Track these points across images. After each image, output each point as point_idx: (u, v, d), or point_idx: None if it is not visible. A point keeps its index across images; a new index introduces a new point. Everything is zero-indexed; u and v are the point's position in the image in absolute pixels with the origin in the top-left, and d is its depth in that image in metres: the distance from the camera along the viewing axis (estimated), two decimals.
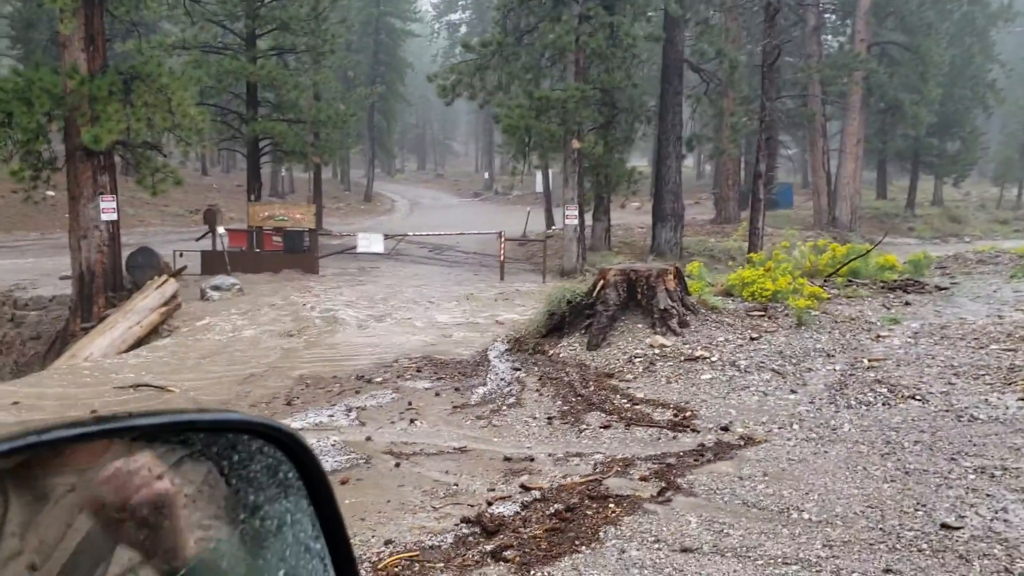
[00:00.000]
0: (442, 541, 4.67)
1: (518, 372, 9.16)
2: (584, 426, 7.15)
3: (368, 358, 10.68)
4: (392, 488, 5.60)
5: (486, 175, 64.01)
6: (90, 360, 11.35)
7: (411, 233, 23.39)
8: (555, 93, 19.05)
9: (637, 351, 8.94)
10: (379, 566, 4.33)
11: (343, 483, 5.67)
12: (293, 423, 7.59)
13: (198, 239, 20.19)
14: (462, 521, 4.94)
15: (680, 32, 24.02)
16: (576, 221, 20.64)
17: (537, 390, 8.33)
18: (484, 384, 8.85)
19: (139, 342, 12.07)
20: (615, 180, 22.44)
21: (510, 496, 5.38)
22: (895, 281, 12.39)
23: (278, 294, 15.73)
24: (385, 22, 47.62)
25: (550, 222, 31.49)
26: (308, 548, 0.98)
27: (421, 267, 22.93)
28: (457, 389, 8.73)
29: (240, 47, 23.16)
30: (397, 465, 6.07)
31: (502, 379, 8.94)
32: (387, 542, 4.64)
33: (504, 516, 4.99)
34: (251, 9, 22.28)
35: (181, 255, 18.95)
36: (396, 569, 4.30)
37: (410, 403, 8.13)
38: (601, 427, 7.10)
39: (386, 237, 20.47)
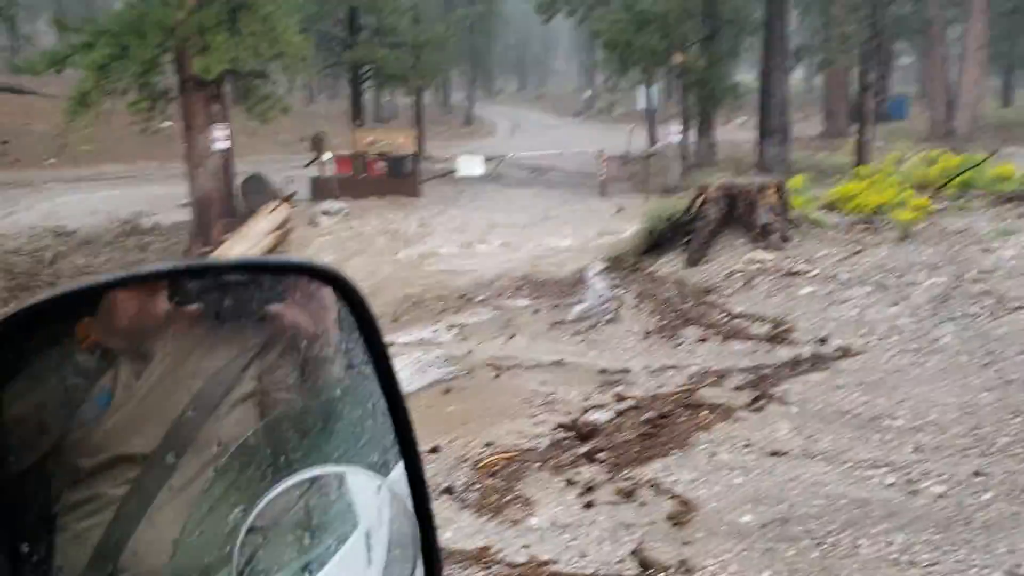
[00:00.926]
0: (538, 444, 4.93)
1: (616, 289, 9.27)
2: (681, 340, 7.26)
3: (470, 278, 10.97)
4: (492, 397, 5.88)
5: (587, 94, 63.02)
6: None
7: (510, 154, 23.43)
8: (656, 5, 18.59)
9: (736, 267, 8.92)
10: (480, 464, 4.62)
11: (446, 392, 6.00)
12: (399, 338, 7.97)
13: (306, 165, 20.80)
14: (558, 426, 5.19)
15: None
16: (679, 138, 20.33)
17: (635, 306, 8.45)
18: (582, 301, 9.01)
19: None
20: (720, 95, 21.88)
21: (604, 405, 5.59)
22: (1012, 192, 11.83)
23: (383, 217, 16.19)
24: None
25: (653, 140, 30.98)
26: (361, 372, 1.08)
27: (521, 189, 23.03)
28: (556, 306, 8.92)
29: None
30: (497, 376, 6.35)
31: (600, 296, 9.07)
32: (487, 444, 4.92)
33: (598, 422, 5.22)
34: None
35: (292, 181, 19.58)
36: (496, 468, 4.58)
37: (509, 320, 8.39)
38: (698, 340, 7.20)
39: (486, 160, 20.61)
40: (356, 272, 11.84)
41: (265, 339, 1.02)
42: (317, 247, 13.52)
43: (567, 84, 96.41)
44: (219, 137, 16.61)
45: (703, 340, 7.18)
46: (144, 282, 0.96)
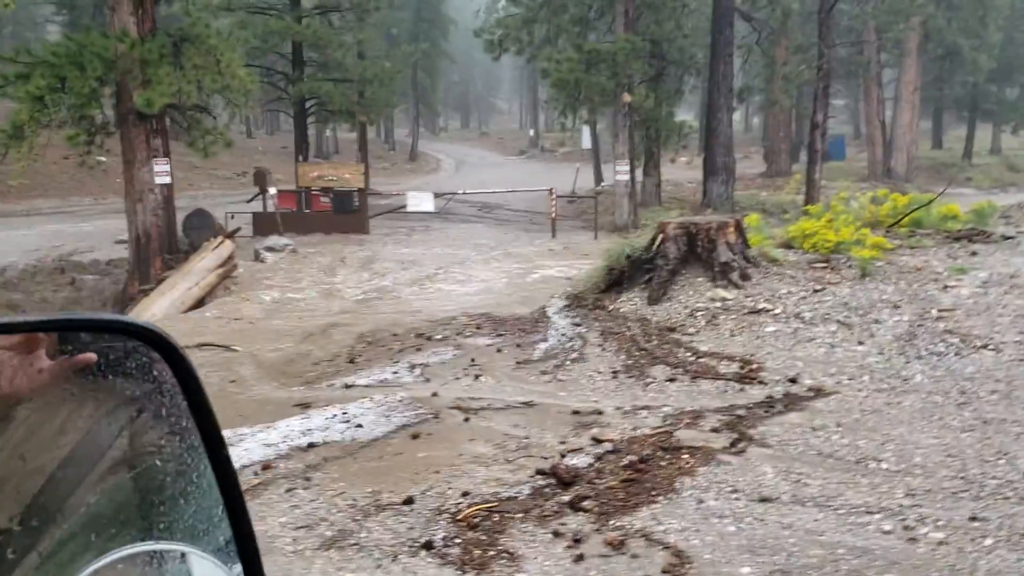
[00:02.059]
0: (519, 492, 4.70)
1: (579, 327, 9.12)
2: (650, 379, 7.13)
3: (426, 315, 10.74)
4: (463, 442, 5.64)
5: (531, 132, 63.58)
6: (151, 321, 11.58)
7: (461, 191, 23.35)
8: (605, 46, 18.77)
9: (699, 305, 8.85)
10: (458, 517, 4.37)
11: (415, 437, 5.73)
12: (358, 380, 7.68)
13: (249, 201, 20.40)
14: (537, 473, 4.96)
15: None
16: (627, 176, 20.45)
17: (600, 345, 8.31)
18: (545, 340, 8.84)
19: (198, 303, 12.28)
20: (665, 134, 22.15)
21: (582, 448, 5.39)
22: (959, 231, 12.07)
23: (330, 254, 15.87)
24: None
25: (599, 179, 31.24)
26: (180, 434, 1.03)
27: (471, 225, 22.95)
28: (519, 345, 8.73)
29: (284, 7, 23.14)
30: (466, 420, 6.10)
31: (563, 335, 8.92)
32: (464, 493, 4.68)
33: (578, 467, 5.01)
34: None
35: (232, 217, 19.16)
36: (476, 519, 4.34)
37: (473, 360, 8.16)
38: (667, 380, 7.07)
39: (436, 196, 20.46)
40: (304, 310, 11.52)
41: (129, 399, 1.00)
42: (260, 285, 13.13)
43: (510, 122, 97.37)
44: (160, 171, 16.16)
45: (672, 380, 7.05)
46: None
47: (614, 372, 7.41)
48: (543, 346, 8.59)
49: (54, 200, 27.52)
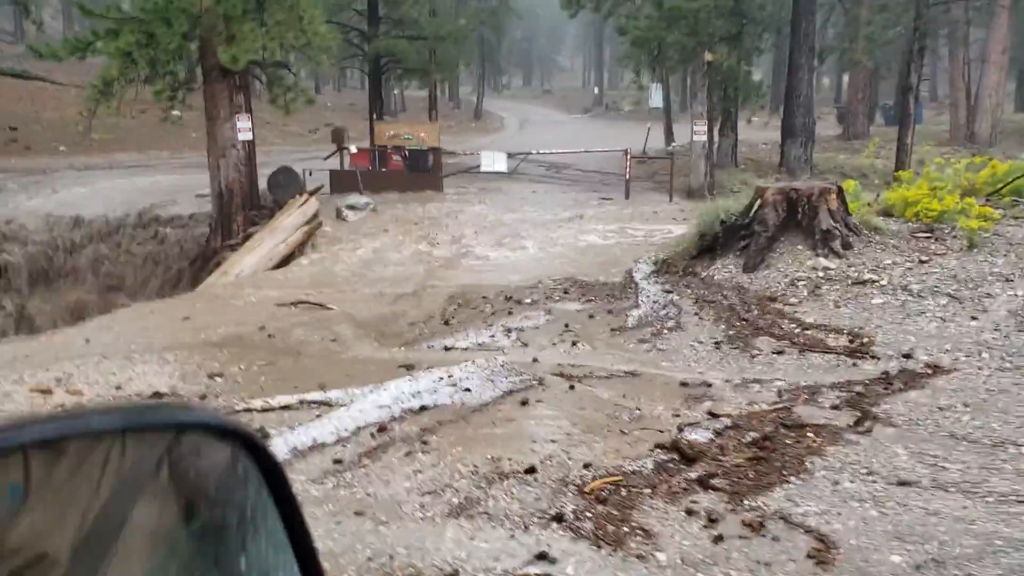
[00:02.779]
0: (642, 466, 4.62)
1: (670, 294, 8.98)
2: (756, 351, 6.97)
3: (510, 277, 10.67)
4: (573, 410, 5.57)
5: (595, 90, 62.71)
6: (240, 277, 11.73)
7: (535, 151, 23.09)
8: (685, 3, 18.25)
9: (799, 274, 8.62)
10: (585, 489, 4.31)
11: (523, 404, 5.67)
12: (456, 343, 7.66)
13: (326, 158, 20.45)
14: (656, 447, 4.88)
15: None
16: (705, 137, 19.99)
17: (696, 313, 8.16)
18: (637, 306, 8.72)
19: (285, 260, 12.39)
20: (744, 94, 21.57)
21: (698, 422, 5.29)
22: None
23: (409, 212, 15.86)
24: None
25: (670, 138, 30.64)
26: (271, 540, 0.97)
27: (541, 185, 22.73)
28: (610, 311, 8.63)
29: None
30: (571, 387, 6.03)
31: (655, 301, 8.79)
32: (586, 465, 4.61)
33: (699, 443, 4.90)
34: None
35: (311, 174, 19.23)
36: (604, 493, 4.28)
37: (567, 325, 8.09)
38: (774, 352, 6.91)
39: (509, 155, 20.28)
40: (389, 268, 11.54)
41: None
42: (345, 243, 13.19)
43: (572, 80, 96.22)
44: (243, 128, 16.26)
45: (779, 352, 6.88)
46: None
47: (716, 342, 7.26)
48: (636, 313, 8.47)
49: (133, 154, 27.98)
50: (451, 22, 23.62)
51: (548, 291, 9.71)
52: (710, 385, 6.08)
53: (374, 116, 23.08)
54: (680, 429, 5.15)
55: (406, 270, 11.34)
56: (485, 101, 55.32)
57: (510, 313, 8.66)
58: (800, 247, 9.06)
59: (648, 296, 9.00)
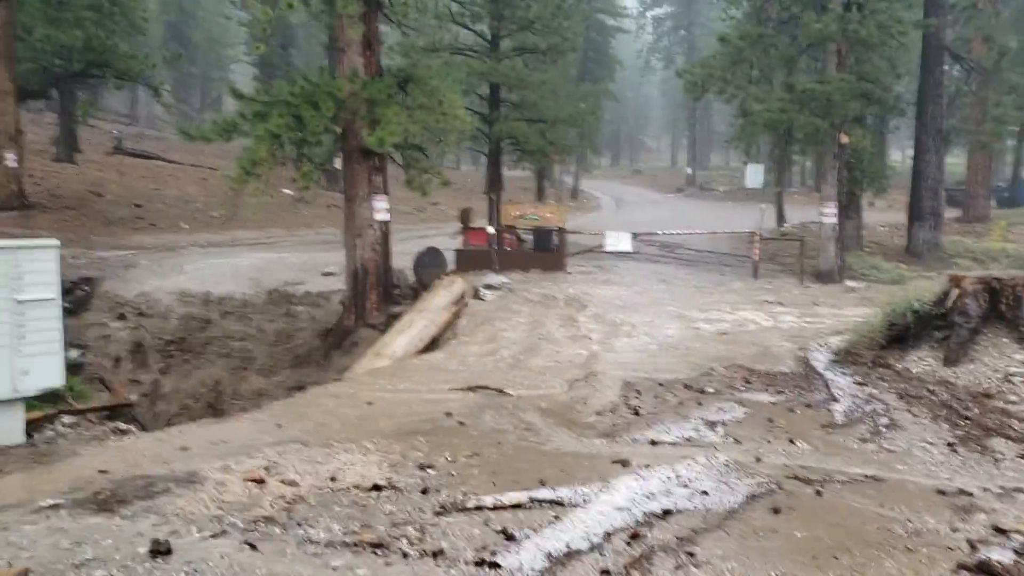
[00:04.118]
0: None
1: (865, 387, 8.52)
2: (997, 454, 6.45)
3: (674, 363, 10.32)
4: (836, 522, 5.15)
5: (688, 171, 62.68)
6: (394, 358, 11.66)
7: (660, 232, 22.94)
8: (820, 86, 18.02)
9: (1012, 368, 8.08)
10: None
11: (775, 512, 5.29)
12: (660, 436, 7.32)
13: (455, 236, 20.65)
14: (960, 567, 4.43)
15: (943, 17, 22.25)
16: (835, 219, 19.53)
17: (908, 410, 7.67)
18: (835, 400, 8.27)
19: (432, 341, 12.30)
20: (871, 175, 21.09)
21: (986, 539, 4.82)
22: None
23: (546, 292, 15.71)
24: (595, 19, 47.41)
25: (781, 219, 30.18)
26: None
27: (660, 266, 22.46)
28: (808, 405, 8.19)
29: (483, 48, 23.51)
30: (818, 493, 5.62)
31: (853, 395, 8.33)
32: None
33: (1004, 563, 4.44)
34: (496, 10, 22.54)
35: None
36: None
37: (770, 419, 7.68)
38: (1019, 456, 6.38)
39: (634, 236, 20.14)
40: (549, 351, 11.29)
41: None
42: (492, 324, 13.05)
43: (658, 160, 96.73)
44: (380, 208, 16.51)
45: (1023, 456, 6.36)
46: None
47: (949, 444, 6.76)
48: (838, 408, 8.01)
49: (251, 232, 28.75)
50: (574, 105, 23.88)
51: (726, 380, 9.32)
52: (970, 494, 5.60)
53: (493, 197, 23.27)
54: (972, 546, 4.69)
55: (565, 352, 11.09)
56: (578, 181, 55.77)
57: (699, 404, 8.29)
58: (1006, 340, 8.54)
59: (841, 389, 8.55)
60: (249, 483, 6.09)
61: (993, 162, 37.98)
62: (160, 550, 4.68)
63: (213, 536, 5.04)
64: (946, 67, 22.53)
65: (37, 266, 8.07)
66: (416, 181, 16.90)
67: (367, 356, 11.86)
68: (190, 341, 17.80)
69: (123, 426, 8.30)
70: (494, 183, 23.18)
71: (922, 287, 9.60)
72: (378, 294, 16.50)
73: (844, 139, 18.17)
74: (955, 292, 8.88)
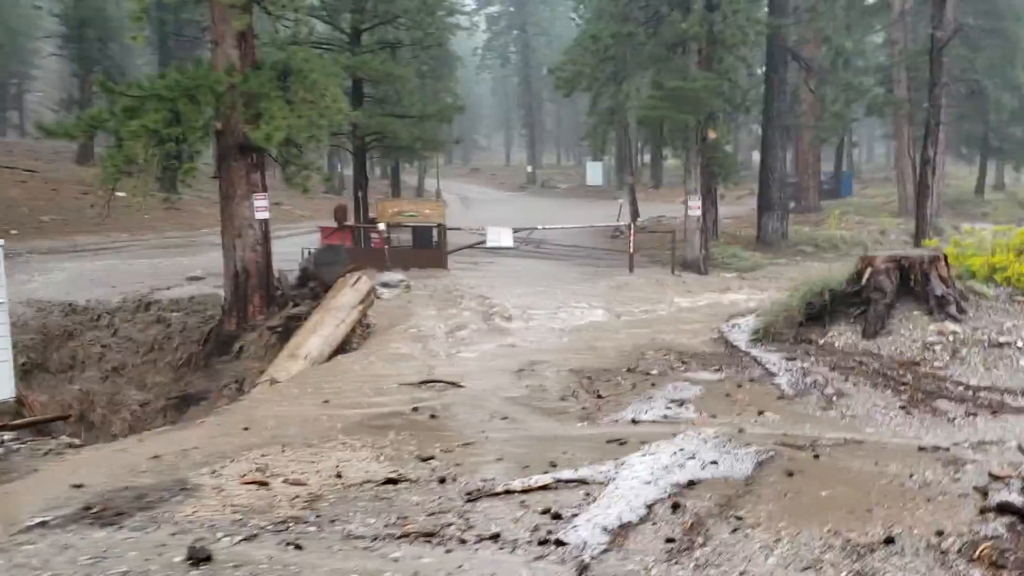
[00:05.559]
0: (994, 531, 4.57)
1: (795, 362, 9.06)
2: (947, 415, 7.06)
3: (605, 349, 10.58)
4: (849, 479, 5.50)
5: (529, 168, 63.85)
6: (308, 359, 11.28)
7: (540, 226, 23.32)
8: (687, 84, 18.90)
9: (928, 339, 8.84)
10: (974, 556, 4.23)
11: (789, 475, 5.58)
12: (636, 416, 7.49)
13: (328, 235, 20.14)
14: (984, 511, 4.84)
15: (786, 18, 23.82)
16: (699, 212, 20.53)
17: (845, 379, 8.24)
18: (773, 375, 8.75)
19: (343, 342, 11.98)
20: (727, 169, 22.33)
21: (989, 486, 5.28)
22: None
23: (439, 289, 15.64)
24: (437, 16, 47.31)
25: (635, 214, 31.32)
26: None
27: (532, 261, 22.85)
28: (752, 380, 8.64)
29: (343, 43, 23.01)
30: (816, 457, 5.96)
31: (787, 370, 8.83)
32: (937, 532, 4.53)
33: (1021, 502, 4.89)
34: (358, 3, 22.13)
35: (310, 253, 18.82)
36: (991, 556, 4.21)
37: (727, 394, 8.04)
38: (967, 415, 7.01)
39: (514, 231, 20.38)
40: (470, 345, 11.27)
41: None
42: (401, 321, 12.88)
43: (492, 158, 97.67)
44: (260, 206, 15.84)
45: (972, 415, 6.99)
46: None
47: (902, 407, 7.33)
48: (781, 381, 8.48)
49: (93, 236, 26.80)
50: (441, 101, 23.82)
51: (663, 362, 9.65)
52: (947, 449, 6.10)
53: (358, 194, 22.87)
54: (983, 493, 5.13)
55: (489, 344, 11.12)
56: (415, 179, 55.63)
57: (653, 385, 8.56)
58: (916, 313, 9.32)
59: (775, 364, 9.05)
60: (250, 486, 5.78)
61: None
62: (199, 557, 4.42)
63: (246, 540, 4.78)
64: (789, 66, 24.19)
65: None
66: (296, 178, 16.33)
67: (280, 358, 11.40)
68: (53, 354, 16.47)
69: (72, 440, 7.61)
70: (359, 181, 22.74)
71: (837, 268, 10.31)
72: (261, 296, 15.79)
73: (712, 134, 19.16)
74: (868, 271, 9.60)
